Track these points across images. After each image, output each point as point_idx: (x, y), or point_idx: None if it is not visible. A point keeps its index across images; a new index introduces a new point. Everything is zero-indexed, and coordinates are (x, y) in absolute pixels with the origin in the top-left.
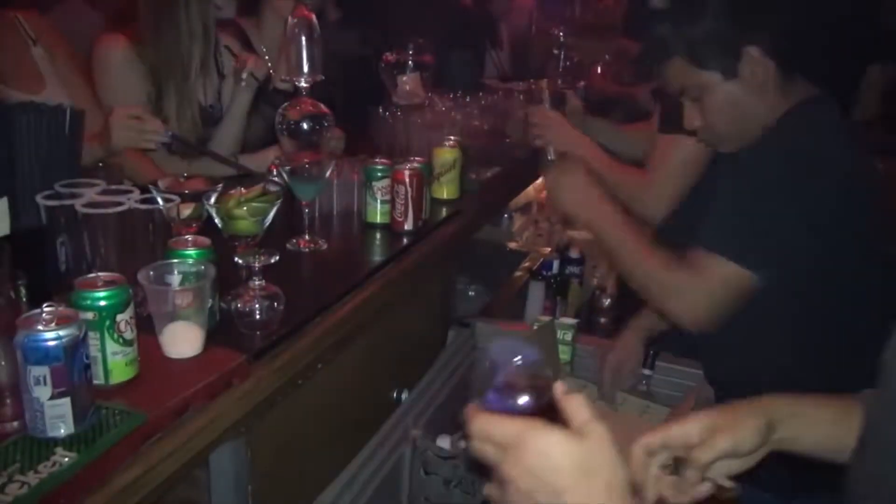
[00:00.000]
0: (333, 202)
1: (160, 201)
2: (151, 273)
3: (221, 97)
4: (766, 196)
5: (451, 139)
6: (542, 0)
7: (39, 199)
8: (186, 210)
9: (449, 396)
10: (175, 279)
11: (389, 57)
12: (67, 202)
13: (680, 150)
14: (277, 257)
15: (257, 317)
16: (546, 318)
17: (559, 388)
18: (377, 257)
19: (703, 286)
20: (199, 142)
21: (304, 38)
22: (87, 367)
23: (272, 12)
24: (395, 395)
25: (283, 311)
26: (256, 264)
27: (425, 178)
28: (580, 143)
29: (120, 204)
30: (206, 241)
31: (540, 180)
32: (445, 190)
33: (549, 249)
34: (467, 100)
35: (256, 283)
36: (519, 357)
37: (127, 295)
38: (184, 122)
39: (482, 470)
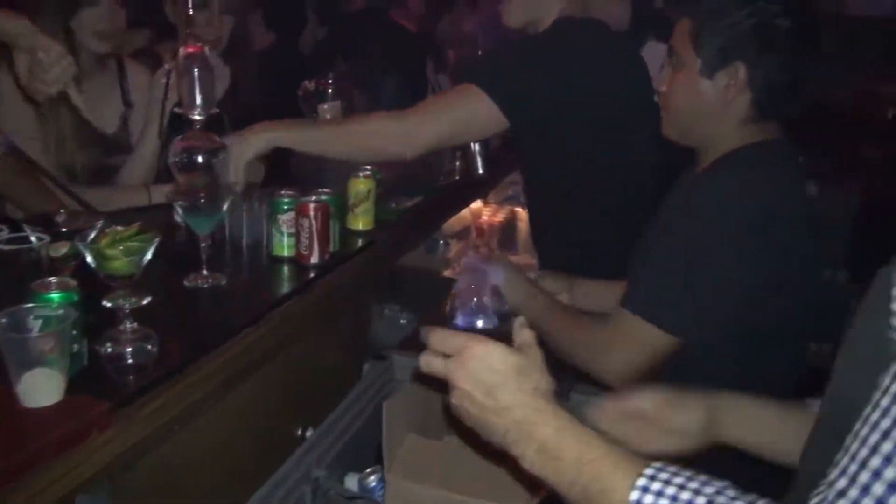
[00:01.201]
0: (242, 235)
1: (32, 240)
2: (4, 320)
3: (129, 125)
4: (693, 259)
5: (366, 169)
6: (488, 25)
7: None
8: (62, 248)
9: (359, 433)
10: (32, 324)
11: (308, 85)
12: None
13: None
14: (149, 299)
15: (129, 361)
16: None
17: (519, 320)
18: (279, 292)
19: (625, 348)
20: (99, 170)
21: (195, 72)
22: None
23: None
24: (299, 432)
25: (159, 354)
26: (127, 307)
27: (332, 210)
28: None
29: None
30: (70, 283)
31: (476, 204)
32: (360, 220)
33: None
34: None
35: (127, 325)
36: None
37: None
38: (67, 148)
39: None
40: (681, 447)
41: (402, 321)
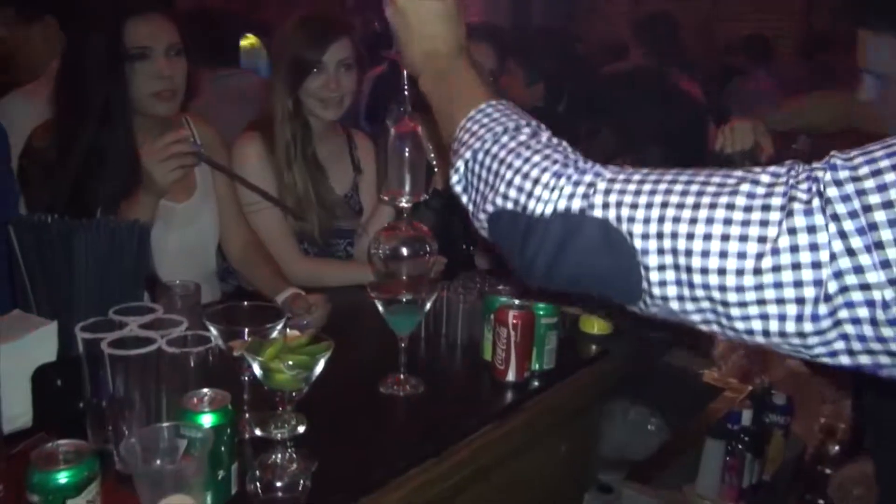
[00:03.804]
0: (458, 331)
1: (214, 335)
2: (133, 440)
3: (359, 189)
4: None
5: None
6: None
7: (77, 329)
8: (239, 349)
9: None
10: (178, 443)
11: None
12: (99, 336)
13: None
14: (304, 428)
15: (277, 495)
16: None
17: None
18: (477, 413)
19: None
20: (331, 232)
21: (406, 153)
22: None
23: None
24: None
25: (319, 488)
26: (279, 435)
27: (539, 320)
28: None
29: (149, 342)
30: (224, 397)
31: None
32: (595, 324)
33: (751, 388)
34: None
35: (278, 458)
36: None
37: (83, 476)
38: (304, 208)
39: None
40: None
41: (649, 426)
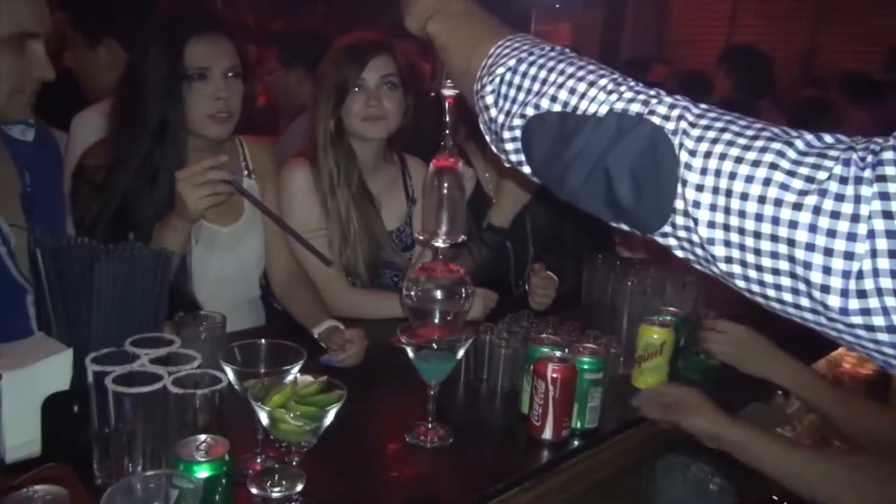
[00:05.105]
0: (499, 377)
1: (229, 374)
2: (114, 491)
3: (412, 221)
4: None
5: (666, 314)
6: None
7: (88, 361)
8: (254, 386)
9: None
10: (171, 493)
11: None
12: (107, 368)
13: None
14: (301, 486)
15: None
16: None
17: None
18: (510, 472)
19: None
20: (376, 265)
21: (444, 189)
22: None
23: None
24: None
25: None
26: (273, 494)
27: (582, 375)
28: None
29: (157, 379)
30: (221, 445)
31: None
32: (649, 379)
33: None
34: None
35: None
36: None
37: None
38: (350, 243)
39: None
40: None
41: (711, 486)
